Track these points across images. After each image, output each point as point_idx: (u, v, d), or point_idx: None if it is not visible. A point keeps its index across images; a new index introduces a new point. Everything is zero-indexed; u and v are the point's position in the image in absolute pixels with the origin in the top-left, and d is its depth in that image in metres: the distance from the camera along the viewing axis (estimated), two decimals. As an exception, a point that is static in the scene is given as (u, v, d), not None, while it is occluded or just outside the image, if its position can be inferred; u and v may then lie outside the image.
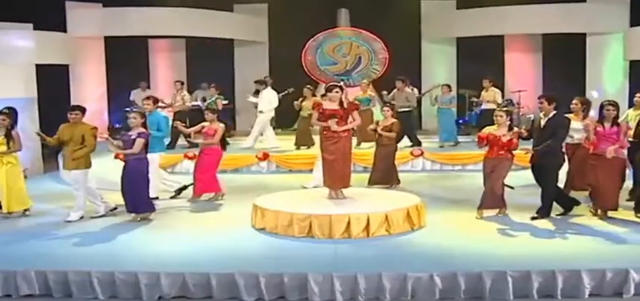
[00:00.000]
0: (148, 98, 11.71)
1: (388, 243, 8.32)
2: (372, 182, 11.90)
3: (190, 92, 17.58)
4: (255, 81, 16.72)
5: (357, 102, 10.41)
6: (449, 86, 16.46)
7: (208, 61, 19.82)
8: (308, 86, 16.37)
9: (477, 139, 9.81)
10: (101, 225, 9.56)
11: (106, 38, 18.95)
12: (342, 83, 9.92)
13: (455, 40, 20.79)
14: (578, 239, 8.46)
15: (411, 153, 14.82)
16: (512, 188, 10.15)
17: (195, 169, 11.51)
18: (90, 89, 18.57)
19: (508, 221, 9.45)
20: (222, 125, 11.59)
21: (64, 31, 17.86)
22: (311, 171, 12.89)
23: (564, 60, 18.63)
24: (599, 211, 9.54)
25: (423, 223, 9.07)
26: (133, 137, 9.58)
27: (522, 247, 8.14)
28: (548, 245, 8.18)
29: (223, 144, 11.57)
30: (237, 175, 14.43)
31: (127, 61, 19.13)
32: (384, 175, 11.94)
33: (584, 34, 18.53)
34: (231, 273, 7.05)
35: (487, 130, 9.61)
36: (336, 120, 9.36)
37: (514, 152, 9.60)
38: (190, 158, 14.13)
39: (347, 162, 9.58)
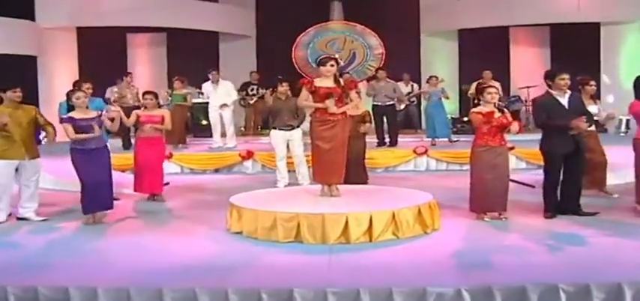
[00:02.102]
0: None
1: (397, 250, 6.46)
2: None
3: (171, 90, 15.58)
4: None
5: (355, 78, 8.46)
6: (436, 77, 14.72)
7: (191, 56, 17.88)
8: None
9: (477, 120, 7.78)
10: (52, 230, 7.78)
11: (79, 29, 17.11)
12: (337, 55, 8.06)
13: (456, 33, 19.17)
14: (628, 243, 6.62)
15: (415, 151, 13.02)
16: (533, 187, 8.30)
17: (141, 162, 9.64)
18: (60, 84, 16.47)
19: (529, 223, 7.65)
20: (167, 111, 10.04)
21: (33, 19, 16.11)
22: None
23: (575, 53, 16.82)
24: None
25: (437, 225, 7.23)
26: (92, 123, 7.90)
27: (569, 254, 6.30)
28: (598, 251, 6.34)
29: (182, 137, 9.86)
30: (217, 176, 12.64)
31: (101, 55, 17.24)
32: (352, 174, 9.04)
33: (598, 24, 16.84)
34: (191, 289, 5.17)
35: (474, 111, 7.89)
36: (332, 100, 7.55)
37: None
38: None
39: (343, 151, 7.75)
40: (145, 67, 19.48)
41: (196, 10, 17.79)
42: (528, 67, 18.30)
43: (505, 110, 7.91)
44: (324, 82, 7.66)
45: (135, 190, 9.71)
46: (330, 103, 7.52)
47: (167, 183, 10.36)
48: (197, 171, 12.96)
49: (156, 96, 9.94)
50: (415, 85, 17.08)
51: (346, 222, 6.61)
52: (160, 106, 10.51)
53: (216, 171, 12.98)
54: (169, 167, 12.03)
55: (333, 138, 7.57)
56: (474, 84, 13.49)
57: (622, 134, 15.45)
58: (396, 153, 13.21)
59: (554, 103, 7.75)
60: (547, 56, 18.82)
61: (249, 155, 13.13)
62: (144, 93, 9.99)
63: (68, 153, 7.91)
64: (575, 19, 16.54)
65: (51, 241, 7.25)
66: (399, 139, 14.06)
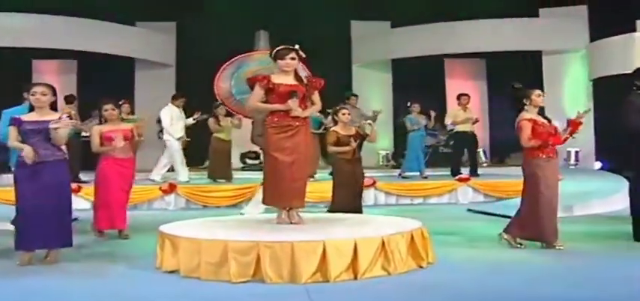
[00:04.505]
0: None
1: (389, 291, 4.66)
2: None
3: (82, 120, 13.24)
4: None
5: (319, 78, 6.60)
6: (417, 104, 13.02)
7: (103, 85, 15.52)
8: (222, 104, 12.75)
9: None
10: None
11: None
12: (297, 46, 6.28)
13: (390, 64, 17.61)
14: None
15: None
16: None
17: (106, 192, 7.50)
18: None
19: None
20: (130, 126, 7.90)
21: None
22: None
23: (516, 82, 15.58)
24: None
25: (431, 258, 5.46)
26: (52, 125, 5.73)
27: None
28: None
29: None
30: (135, 212, 10.46)
31: (2, 82, 14.71)
32: (353, 206, 7.69)
33: (540, 54, 15.69)
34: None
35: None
36: (296, 100, 5.75)
37: None
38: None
39: (307, 165, 5.95)
40: (53, 96, 16.92)
41: (110, 33, 15.56)
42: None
43: None
44: (284, 79, 5.90)
45: (99, 226, 7.56)
46: (293, 104, 5.73)
47: (75, 219, 8.15)
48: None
49: (118, 105, 7.83)
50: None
51: (324, 252, 4.74)
52: (122, 119, 8.36)
53: (134, 207, 10.80)
54: (78, 202, 9.83)
55: (294, 148, 5.76)
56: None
57: (572, 167, 14.25)
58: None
59: None
60: (484, 89, 17.61)
61: (171, 188, 11.08)
62: (103, 103, 7.70)
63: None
64: (515, 48, 15.34)
65: None
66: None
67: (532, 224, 6.28)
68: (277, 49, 5.99)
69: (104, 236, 7.45)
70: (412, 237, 5.24)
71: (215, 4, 16.72)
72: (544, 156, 6.28)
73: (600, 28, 14.54)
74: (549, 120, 6.47)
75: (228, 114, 11.83)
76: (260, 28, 17.62)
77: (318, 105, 6.05)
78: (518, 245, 6.31)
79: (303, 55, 6.07)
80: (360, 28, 17.73)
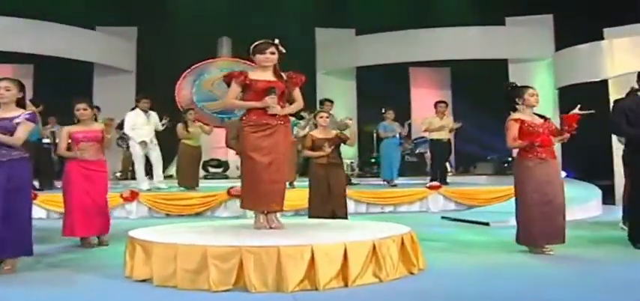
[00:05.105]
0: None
1: (384, 298, 4.31)
2: None
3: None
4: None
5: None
6: (392, 110, 12.67)
7: (61, 91, 14.81)
8: (191, 109, 12.32)
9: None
10: None
11: None
12: (277, 41, 5.89)
13: (354, 71, 17.31)
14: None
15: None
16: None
17: (70, 197, 6.95)
18: None
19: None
20: (100, 126, 7.28)
21: None
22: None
23: (481, 92, 15.42)
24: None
25: (422, 264, 5.10)
26: (16, 121, 5.30)
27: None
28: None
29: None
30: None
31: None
32: (335, 211, 7.49)
33: (506, 62, 15.59)
34: None
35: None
36: (275, 97, 5.36)
37: None
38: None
39: (286, 167, 5.55)
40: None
41: (69, 36, 14.90)
42: (430, 109, 16.76)
43: None
44: (262, 74, 5.51)
45: (63, 233, 6.98)
46: (270, 101, 5.34)
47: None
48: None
49: (91, 106, 7.24)
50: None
51: (312, 258, 4.35)
52: (96, 119, 7.70)
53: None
54: (33, 211, 9.21)
55: (273, 148, 5.37)
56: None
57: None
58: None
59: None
60: (449, 98, 17.35)
61: (133, 196, 10.55)
62: (76, 103, 7.16)
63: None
64: (481, 56, 15.19)
65: None
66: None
67: (521, 227, 6.00)
68: (256, 43, 5.57)
69: (88, 245, 6.92)
70: (402, 242, 4.88)
71: (177, 10, 16.26)
72: (533, 158, 5.99)
73: (566, 37, 14.45)
74: (546, 119, 6.19)
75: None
76: (223, 35, 17.25)
77: (300, 103, 5.67)
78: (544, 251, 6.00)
79: (283, 50, 5.66)
80: (324, 35, 17.41)
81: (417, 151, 15.62)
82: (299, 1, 16.53)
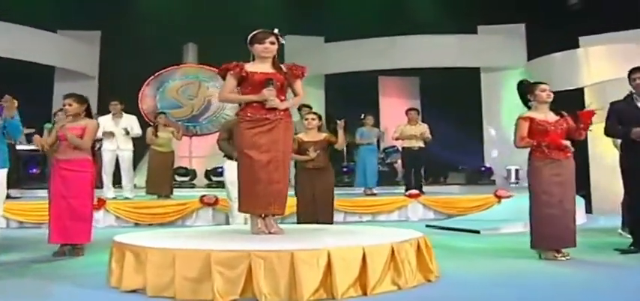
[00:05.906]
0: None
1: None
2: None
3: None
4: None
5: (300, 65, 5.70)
6: (371, 116, 12.42)
7: (19, 95, 14.02)
8: (161, 113, 11.75)
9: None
10: None
11: None
12: (276, 31, 5.43)
13: (323, 79, 16.87)
14: None
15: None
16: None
17: (53, 202, 6.32)
18: None
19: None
20: (94, 121, 6.62)
21: None
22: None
23: (453, 100, 15.18)
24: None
25: (437, 271, 4.67)
26: None
27: None
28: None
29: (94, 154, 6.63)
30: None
31: None
32: (320, 216, 6.99)
33: (478, 70, 15.34)
34: None
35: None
36: (273, 90, 4.89)
37: None
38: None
39: (286, 166, 5.05)
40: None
41: (29, 38, 14.15)
42: (399, 118, 16.45)
43: None
44: (260, 66, 5.06)
45: (56, 240, 6.30)
46: (268, 93, 4.87)
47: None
48: (28, 225, 9.45)
49: (80, 101, 6.53)
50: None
51: (328, 263, 3.88)
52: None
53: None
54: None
55: (272, 145, 4.88)
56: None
57: (513, 185, 13.84)
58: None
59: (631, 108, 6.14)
60: (417, 107, 17.10)
61: (99, 204, 9.89)
62: (64, 98, 6.56)
63: None
64: (452, 65, 14.95)
65: None
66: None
67: (533, 229, 5.67)
68: (254, 33, 5.13)
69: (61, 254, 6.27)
70: (418, 246, 4.45)
71: (142, 15, 15.59)
72: (542, 157, 5.66)
73: (538, 46, 14.33)
74: (562, 115, 5.86)
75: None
76: (188, 41, 16.69)
77: (301, 96, 5.22)
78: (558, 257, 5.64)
79: (283, 41, 5.22)
80: (293, 42, 16.86)
81: (388, 161, 15.24)
82: (267, 8, 16.09)
